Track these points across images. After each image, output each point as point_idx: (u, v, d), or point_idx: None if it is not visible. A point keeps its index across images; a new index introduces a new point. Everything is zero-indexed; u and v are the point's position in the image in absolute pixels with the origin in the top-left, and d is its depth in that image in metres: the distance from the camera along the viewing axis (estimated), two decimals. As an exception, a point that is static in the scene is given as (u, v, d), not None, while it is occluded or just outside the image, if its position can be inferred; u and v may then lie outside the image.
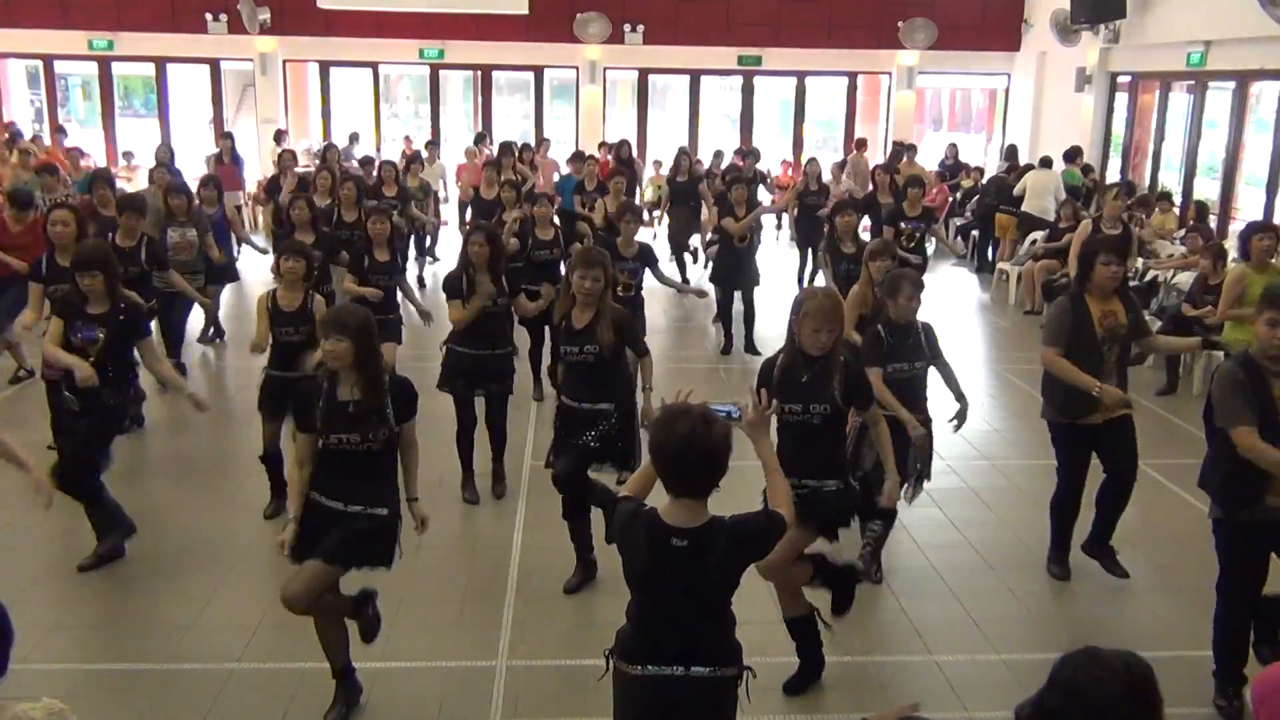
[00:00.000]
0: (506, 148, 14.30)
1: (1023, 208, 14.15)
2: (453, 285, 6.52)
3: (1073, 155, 15.42)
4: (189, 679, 4.72)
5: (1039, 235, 13.13)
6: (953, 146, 17.74)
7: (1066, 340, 5.40)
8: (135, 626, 5.18)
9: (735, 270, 10.24)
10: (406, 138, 18.51)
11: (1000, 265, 14.00)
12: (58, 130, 16.84)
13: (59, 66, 19.45)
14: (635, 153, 16.18)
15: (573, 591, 5.51)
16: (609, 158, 15.22)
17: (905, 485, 5.46)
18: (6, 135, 15.78)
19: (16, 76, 19.94)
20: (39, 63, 19.25)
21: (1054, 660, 2.15)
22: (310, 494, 4.19)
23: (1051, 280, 11.79)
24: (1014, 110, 19.64)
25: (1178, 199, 14.51)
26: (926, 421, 5.53)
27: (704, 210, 12.96)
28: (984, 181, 16.36)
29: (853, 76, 19.96)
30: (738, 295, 10.28)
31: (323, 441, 4.14)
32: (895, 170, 14.83)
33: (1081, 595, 5.70)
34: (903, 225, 9.86)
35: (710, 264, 11.13)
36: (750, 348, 10.17)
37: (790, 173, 18.12)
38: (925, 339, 5.53)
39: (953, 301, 13.03)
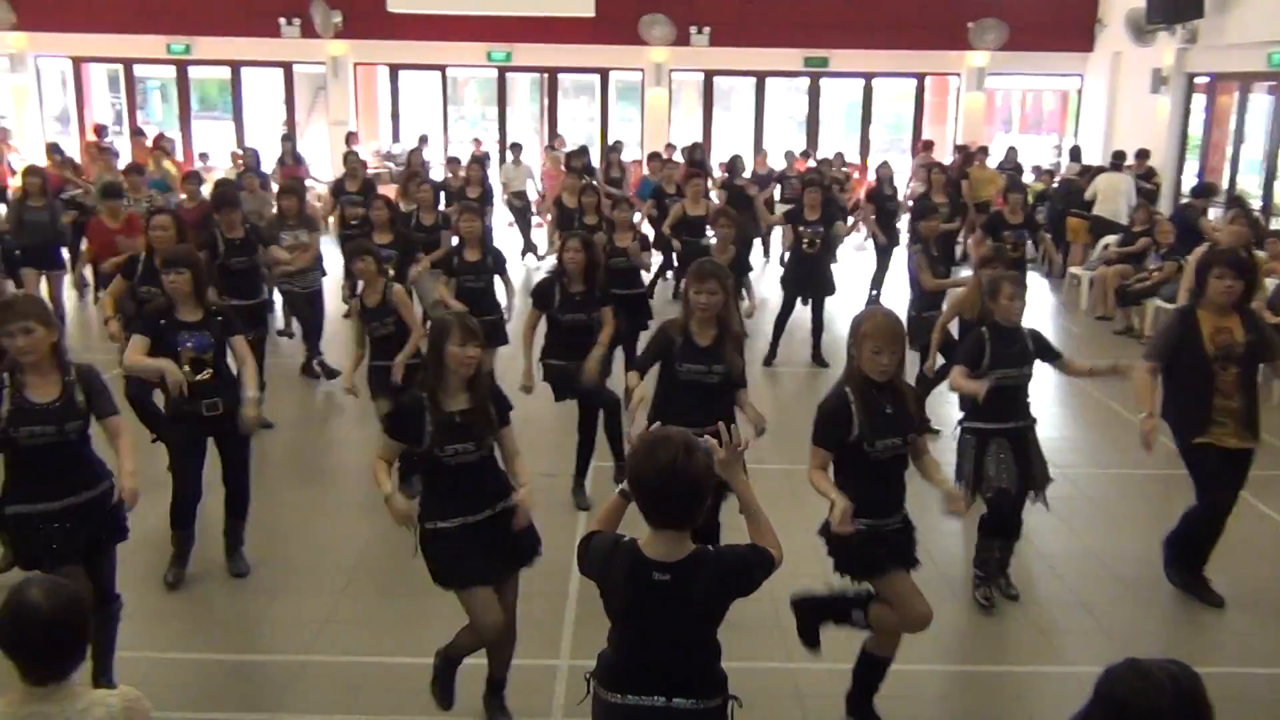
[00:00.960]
0: (583, 150, 14.36)
1: (1094, 211, 13.89)
2: (543, 294, 6.39)
3: (1119, 159, 15.10)
4: (262, 669, 4.83)
5: (1111, 239, 12.88)
6: (1012, 150, 17.42)
7: (1169, 355, 5.30)
8: (211, 617, 5.30)
9: (804, 278, 9.92)
10: (476, 139, 18.66)
11: (1071, 270, 13.76)
12: (137, 133, 17.25)
13: (138, 70, 19.97)
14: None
15: None
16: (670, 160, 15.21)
17: (1033, 494, 5.49)
18: (95, 136, 16.29)
19: (99, 80, 20.50)
20: (119, 67, 19.78)
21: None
22: (437, 525, 4.04)
23: (1125, 285, 11.57)
24: (1086, 112, 19.29)
25: (1257, 203, 14.15)
26: (1031, 424, 5.45)
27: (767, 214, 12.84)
28: (1055, 185, 16.09)
29: (921, 78, 19.76)
30: (800, 305, 9.97)
31: (434, 458, 4.00)
32: (965, 175, 14.66)
33: (1155, 606, 5.58)
34: (1005, 234, 9.57)
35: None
36: (818, 358, 9.93)
37: (857, 176, 17.98)
38: (1033, 344, 5.39)
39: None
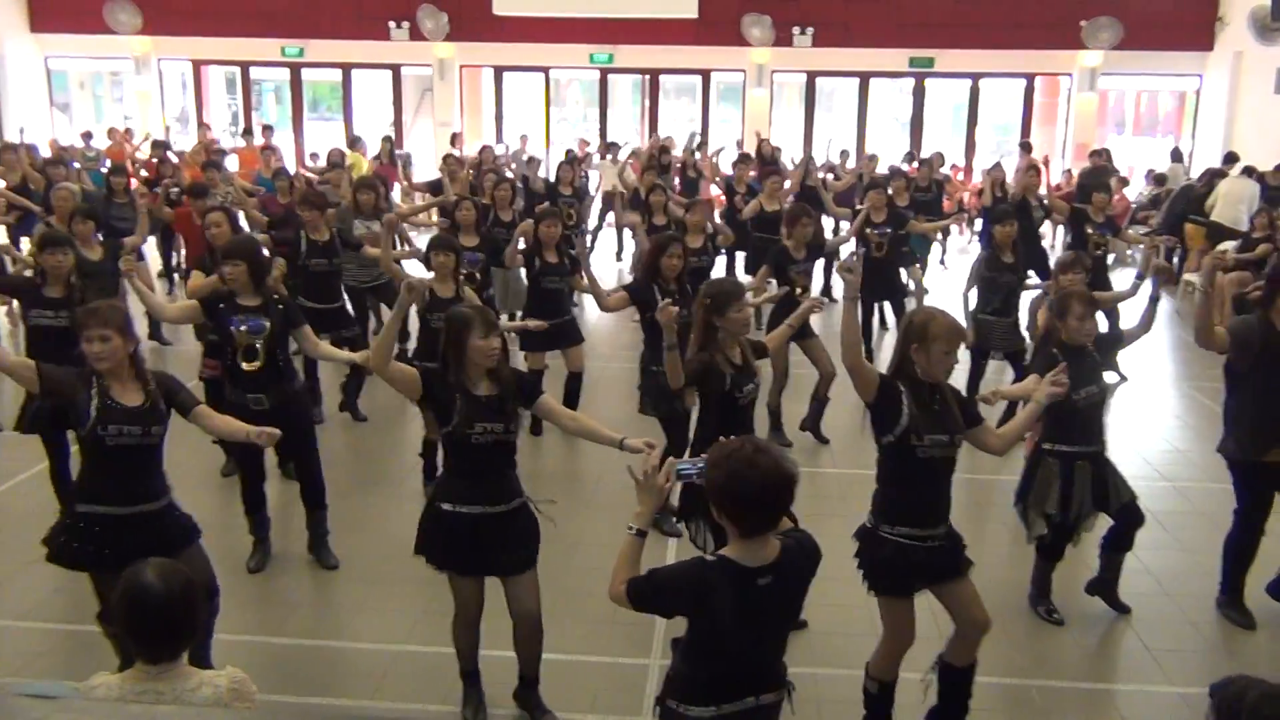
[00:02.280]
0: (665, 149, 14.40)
1: (1213, 216, 13.39)
2: (642, 297, 6.31)
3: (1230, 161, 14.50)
4: (359, 657, 4.94)
5: (1230, 246, 12.41)
6: (1105, 153, 16.77)
7: (1248, 360, 5.06)
8: (310, 604, 5.44)
9: (870, 281, 9.65)
10: (582, 140, 18.78)
11: (1186, 277, 13.29)
12: (247, 133, 17.80)
13: (254, 73, 20.65)
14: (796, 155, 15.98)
15: None
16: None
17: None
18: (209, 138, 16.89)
19: (216, 82, 21.25)
20: (236, 69, 20.47)
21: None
22: (454, 508, 4.10)
23: (1242, 293, 11.13)
24: (1205, 114, 18.62)
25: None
26: (1103, 448, 5.20)
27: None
28: (1175, 188, 15.55)
29: (1030, 78, 19.30)
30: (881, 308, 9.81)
31: (463, 437, 4.03)
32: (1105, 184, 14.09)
33: (1267, 627, 5.36)
34: (1090, 231, 9.23)
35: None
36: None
37: (961, 178, 17.65)
38: (1098, 352, 5.21)
39: (1136, 315, 12.43)
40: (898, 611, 4.08)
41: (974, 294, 8.08)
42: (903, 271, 10.17)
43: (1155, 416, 8.17)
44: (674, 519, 6.07)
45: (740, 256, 11.92)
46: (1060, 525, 5.16)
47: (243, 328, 5.45)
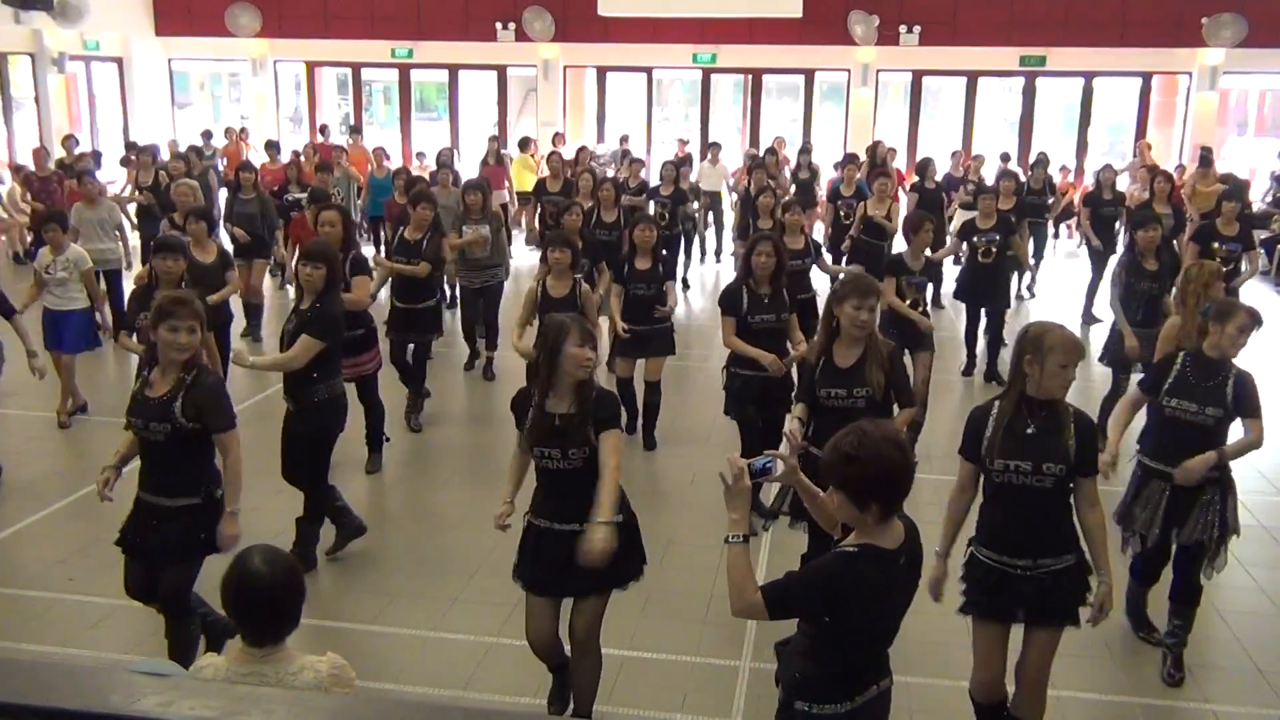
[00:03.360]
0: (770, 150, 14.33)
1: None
2: (731, 301, 6.17)
3: None
4: (453, 647, 5.04)
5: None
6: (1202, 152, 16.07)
7: None
8: (407, 594, 5.57)
9: (975, 286, 9.46)
10: (680, 140, 18.80)
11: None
12: (355, 131, 18.19)
13: (364, 74, 21.16)
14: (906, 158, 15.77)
15: None
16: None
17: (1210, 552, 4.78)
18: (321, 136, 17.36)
19: (329, 83, 21.84)
20: (348, 70, 21.00)
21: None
22: (529, 519, 4.11)
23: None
24: (1335, 113, 17.79)
25: None
26: (1226, 476, 4.74)
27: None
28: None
29: (1147, 77, 18.66)
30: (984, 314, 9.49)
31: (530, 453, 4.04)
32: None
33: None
34: (1216, 245, 8.74)
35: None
36: (993, 375, 9.33)
37: (1072, 179, 17.17)
38: (1235, 389, 4.58)
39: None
40: (978, 636, 3.93)
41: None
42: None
43: (1270, 425, 7.80)
44: (762, 520, 6.07)
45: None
46: (1154, 545, 4.89)
47: (289, 326, 5.63)
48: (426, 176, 13.41)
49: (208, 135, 17.89)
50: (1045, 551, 3.78)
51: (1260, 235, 14.71)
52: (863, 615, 2.89)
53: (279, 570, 2.73)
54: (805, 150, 15.40)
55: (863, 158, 14.47)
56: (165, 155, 15.37)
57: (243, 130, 18.56)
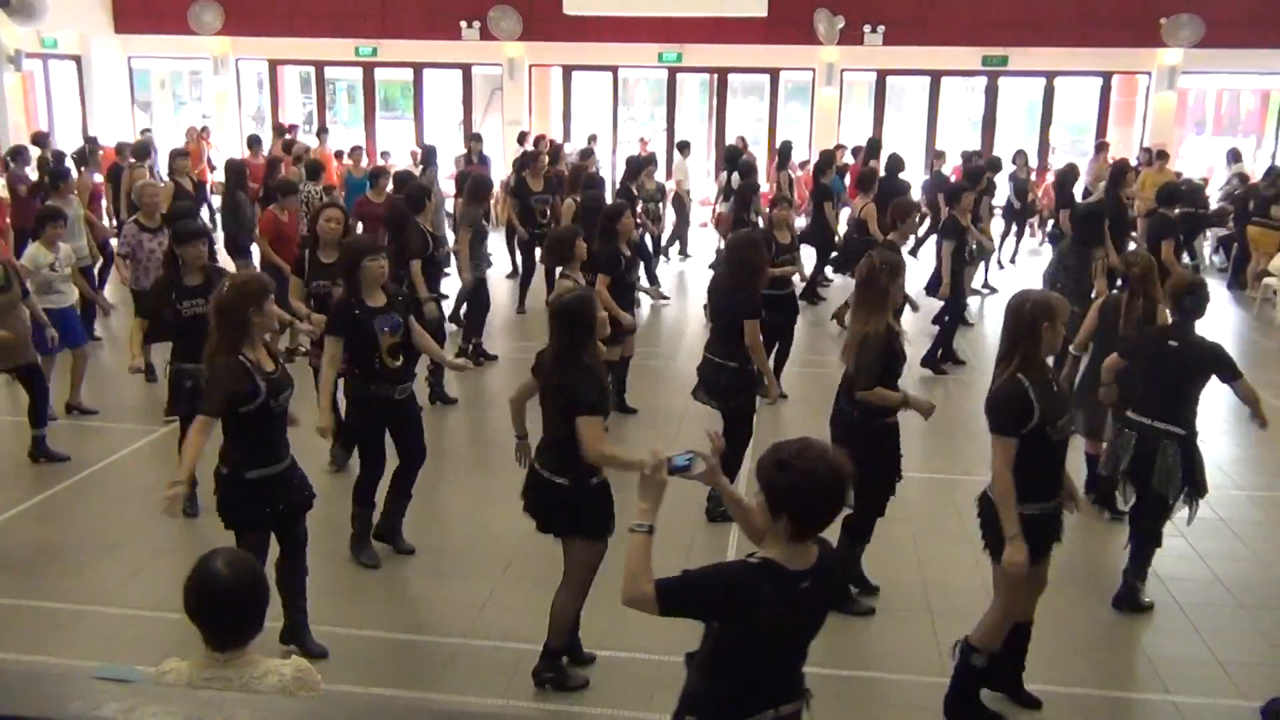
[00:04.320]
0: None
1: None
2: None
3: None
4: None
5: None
6: (1145, 152, 16.55)
7: None
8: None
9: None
10: (642, 139, 18.86)
11: (1267, 280, 12.92)
12: (322, 131, 18.06)
13: (328, 72, 21.00)
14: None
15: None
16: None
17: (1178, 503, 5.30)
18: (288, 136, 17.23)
19: (292, 81, 21.67)
20: (311, 69, 20.85)
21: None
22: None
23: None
24: (1290, 112, 18.09)
25: None
26: (1188, 438, 5.26)
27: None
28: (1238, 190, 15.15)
29: (1107, 77, 18.89)
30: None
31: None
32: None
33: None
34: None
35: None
36: (945, 359, 9.74)
37: (1034, 178, 17.31)
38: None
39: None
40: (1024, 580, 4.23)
41: None
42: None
43: (1229, 421, 7.95)
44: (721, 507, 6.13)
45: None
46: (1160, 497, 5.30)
47: (387, 329, 5.50)
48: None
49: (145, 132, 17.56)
50: (1057, 491, 4.26)
51: (1219, 233, 14.97)
52: (753, 631, 2.82)
53: (241, 574, 2.70)
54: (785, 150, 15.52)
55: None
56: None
57: (204, 130, 18.36)
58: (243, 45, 20.05)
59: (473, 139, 16.27)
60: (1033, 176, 16.63)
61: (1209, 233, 15.27)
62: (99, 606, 5.36)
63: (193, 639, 2.73)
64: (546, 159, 13.63)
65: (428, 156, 14.19)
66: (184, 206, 8.74)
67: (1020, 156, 14.84)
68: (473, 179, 10.06)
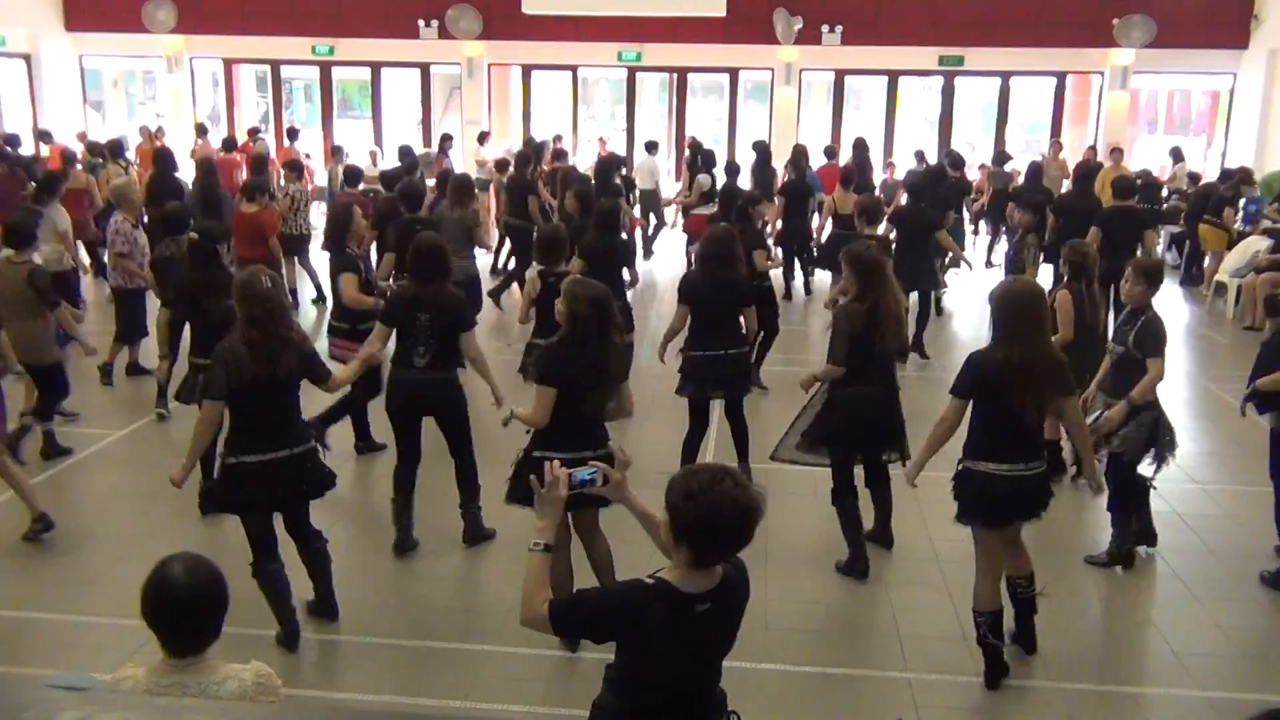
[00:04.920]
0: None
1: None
2: (690, 289, 6.76)
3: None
4: (385, 652, 4.97)
5: (1262, 247, 12.27)
6: (1091, 150, 16.90)
7: None
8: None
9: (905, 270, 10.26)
10: (601, 138, 18.88)
11: (1218, 277, 13.15)
12: (292, 133, 17.87)
13: (284, 71, 20.77)
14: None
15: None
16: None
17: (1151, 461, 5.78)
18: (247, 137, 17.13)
19: (247, 81, 21.41)
20: (267, 67, 20.62)
21: (1264, 703, 2.02)
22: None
23: (1275, 294, 11.00)
24: (1239, 112, 18.39)
25: None
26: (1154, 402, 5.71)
27: None
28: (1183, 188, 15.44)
29: (1061, 77, 19.12)
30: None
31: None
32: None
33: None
34: None
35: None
36: (918, 349, 9.89)
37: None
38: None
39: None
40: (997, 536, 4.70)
41: None
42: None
43: (1181, 418, 8.08)
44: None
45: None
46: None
47: (423, 316, 5.74)
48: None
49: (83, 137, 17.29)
50: (1030, 456, 4.61)
51: (1172, 230, 15.19)
52: (644, 652, 2.78)
53: (199, 579, 2.66)
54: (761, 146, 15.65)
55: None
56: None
57: (158, 130, 18.09)
58: (197, 44, 19.78)
59: (444, 138, 16.34)
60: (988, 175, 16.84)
61: (1161, 230, 15.49)
62: (49, 614, 5.27)
63: (151, 645, 2.69)
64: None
65: (406, 158, 14.10)
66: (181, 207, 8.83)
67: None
68: (458, 179, 10.13)
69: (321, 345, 7.20)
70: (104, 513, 6.50)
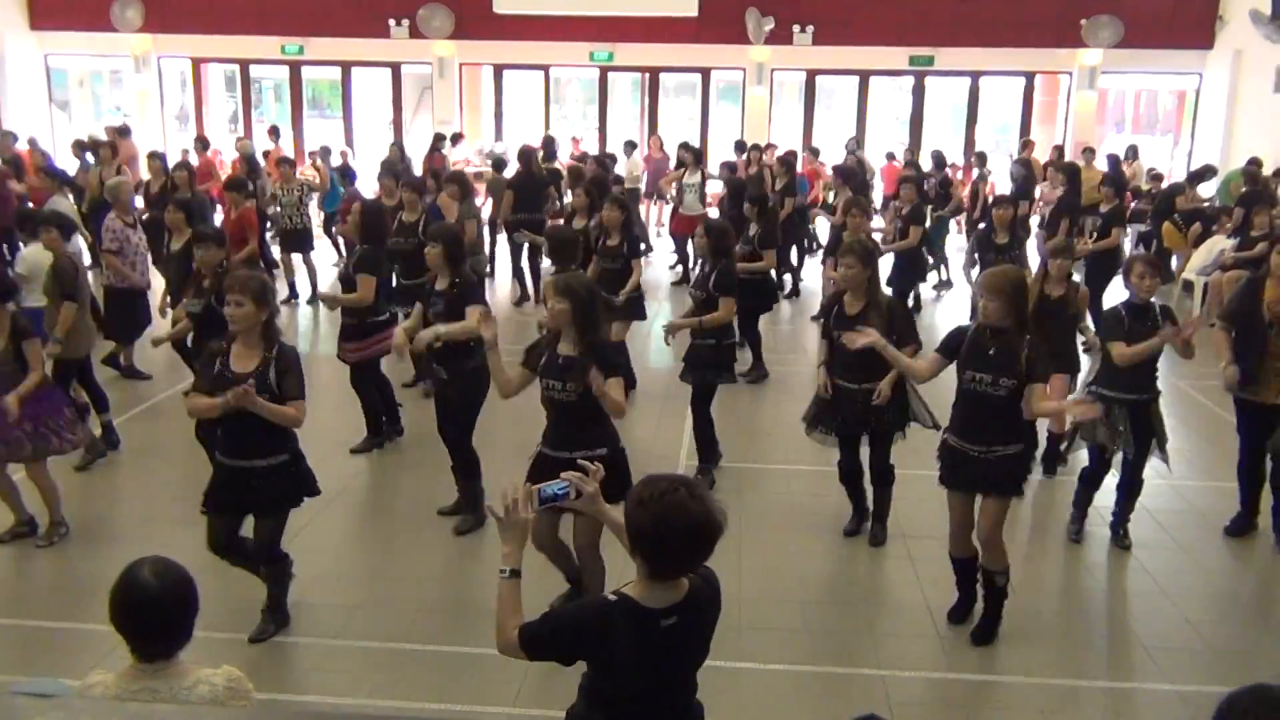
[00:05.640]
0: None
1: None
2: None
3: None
4: (357, 655, 4.94)
5: (1228, 244, 12.41)
6: (1057, 150, 17.23)
7: (1234, 318, 6.09)
8: (304, 603, 5.45)
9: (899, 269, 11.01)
10: (574, 138, 18.86)
11: (1185, 276, 13.29)
12: (272, 132, 17.71)
13: (253, 71, 20.61)
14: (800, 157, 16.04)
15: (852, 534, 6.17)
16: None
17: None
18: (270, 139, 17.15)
19: (216, 80, 21.23)
20: (236, 67, 20.45)
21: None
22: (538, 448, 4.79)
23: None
24: (1205, 112, 18.61)
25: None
26: (1154, 396, 6.01)
27: None
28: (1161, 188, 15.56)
29: (1030, 77, 19.28)
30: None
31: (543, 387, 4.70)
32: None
33: (1266, 626, 5.37)
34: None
35: None
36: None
37: (962, 177, 17.63)
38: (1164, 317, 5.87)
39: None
40: (951, 503, 5.04)
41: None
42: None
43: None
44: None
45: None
46: (1102, 457, 6.14)
47: (432, 309, 6.02)
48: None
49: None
50: (991, 439, 4.83)
51: (1140, 229, 15.34)
52: (610, 667, 2.73)
53: (168, 582, 2.62)
54: (756, 147, 15.76)
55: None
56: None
57: (123, 128, 17.87)
58: (164, 43, 19.59)
59: (437, 136, 16.77)
60: (958, 175, 16.95)
61: (1130, 228, 15.64)
62: (10, 620, 5.21)
63: (121, 649, 2.65)
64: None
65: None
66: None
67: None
68: (460, 176, 10.38)
69: (326, 349, 7.24)
70: (69, 513, 6.41)
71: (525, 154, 12.54)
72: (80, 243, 9.55)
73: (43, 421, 5.80)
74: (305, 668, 4.85)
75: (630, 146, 16.72)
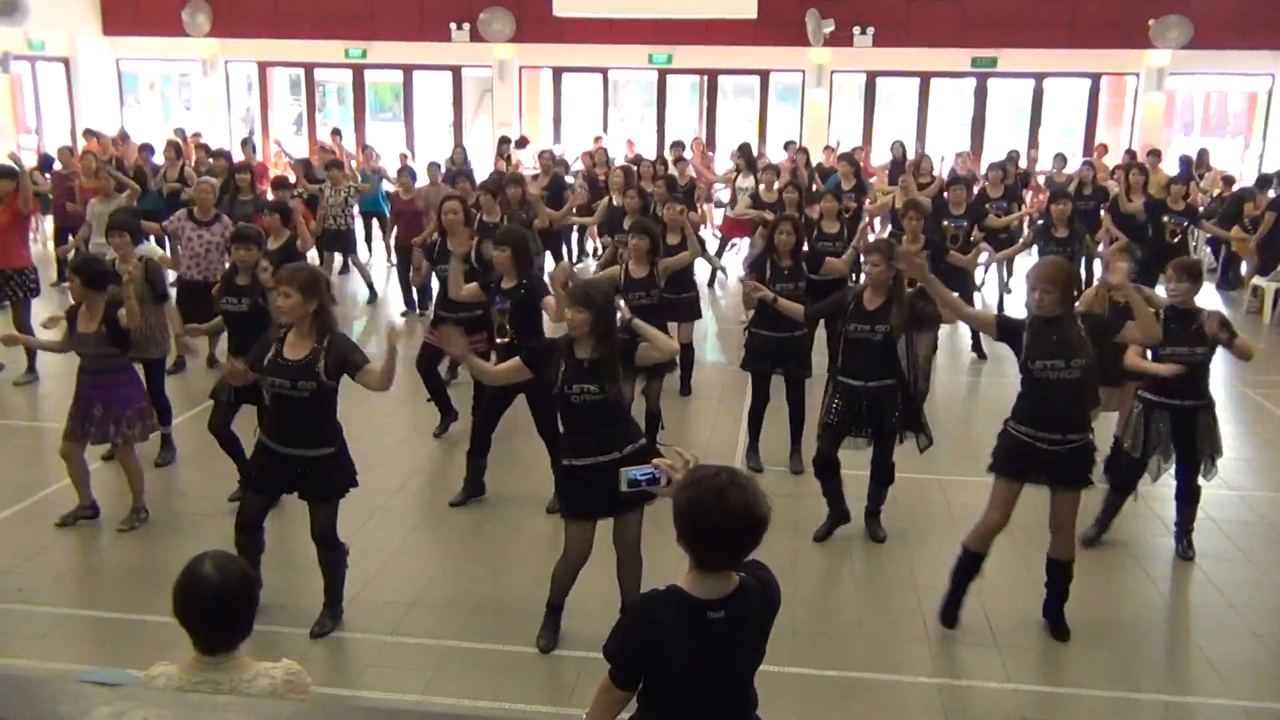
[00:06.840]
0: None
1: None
2: (757, 267, 7.18)
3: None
4: (412, 651, 5.00)
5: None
6: (1129, 153, 16.81)
7: None
8: (360, 601, 5.52)
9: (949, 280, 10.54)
10: (629, 140, 18.87)
11: (1255, 281, 12.97)
12: (335, 133, 17.99)
13: (318, 74, 20.94)
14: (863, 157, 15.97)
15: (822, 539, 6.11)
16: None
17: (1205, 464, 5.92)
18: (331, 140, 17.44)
19: (281, 84, 21.60)
20: (300, 70, 20.79)
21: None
22: (571, 462, 4.69)
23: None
24: (1277, 114, 18.15)
25: None
26: (1204, 404, 5.86)
27: None
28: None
29: (1096, 78, 18.95)
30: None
31: (564, 396, 4.62)
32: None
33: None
34: (1166, 219, 10.74)
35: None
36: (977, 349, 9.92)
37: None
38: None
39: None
40: (997, 489, 4.99)
41: None
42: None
43: (1221, 422, 7.94)
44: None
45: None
46: (1135, 463, 5.94)
47: (500, 307, 6.19)
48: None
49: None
50: (1060, 427, 4.86)
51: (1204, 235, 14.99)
52: (664, 662, 2.67)
53: (230, 577, 2.68)
54: (803, 150, 15.73)
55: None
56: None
57: (195, 134, 18.25)
58: (231, 47, 19.99)
59: (501, 141, 16.81)
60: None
61: (1198, 231, 15.30)
62: (79, 610, 5.33)
63: (183, 641, 2.71)
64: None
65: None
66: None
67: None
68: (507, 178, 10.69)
69: (374, 351, 7.29)
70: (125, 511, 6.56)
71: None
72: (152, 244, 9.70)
73: (110, 410, 6.00)
74: (362, 663, 4.91)
75: (679, 147, 16.38)
